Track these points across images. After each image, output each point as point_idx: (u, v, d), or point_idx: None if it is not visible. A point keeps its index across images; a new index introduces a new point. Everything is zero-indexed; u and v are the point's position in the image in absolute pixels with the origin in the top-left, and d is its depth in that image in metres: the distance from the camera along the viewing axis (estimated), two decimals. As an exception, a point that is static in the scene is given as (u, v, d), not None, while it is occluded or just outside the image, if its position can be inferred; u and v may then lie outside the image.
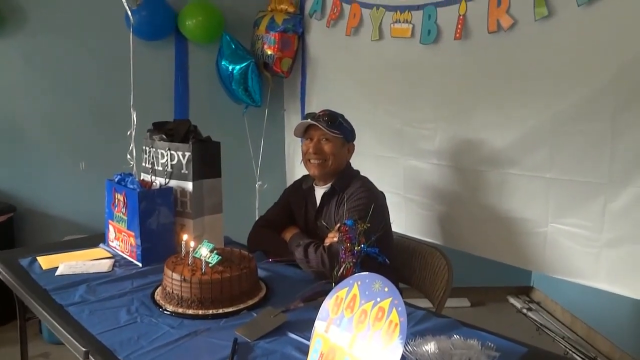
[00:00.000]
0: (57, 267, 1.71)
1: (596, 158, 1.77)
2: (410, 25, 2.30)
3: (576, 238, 1.86)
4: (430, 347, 1.15)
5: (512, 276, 3.69)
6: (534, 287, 3.76)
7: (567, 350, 2.95)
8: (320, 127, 1.85)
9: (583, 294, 3.11)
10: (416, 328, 1.31)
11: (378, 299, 1.00)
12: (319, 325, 1.09)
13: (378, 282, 1.02)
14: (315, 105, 2.97)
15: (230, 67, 2.95)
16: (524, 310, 3.51)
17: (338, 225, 1.55)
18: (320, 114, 1.90)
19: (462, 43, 2.13)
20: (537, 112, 1.93)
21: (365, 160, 2.23)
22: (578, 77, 1.80)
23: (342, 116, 1.93)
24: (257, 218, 2.12)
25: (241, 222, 2.11)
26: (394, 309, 0.96)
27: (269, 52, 2.96)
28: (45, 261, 1.77)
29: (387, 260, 1.32)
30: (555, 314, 3.47)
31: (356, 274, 1.07)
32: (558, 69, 1.86)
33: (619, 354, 2.82)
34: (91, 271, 1.69)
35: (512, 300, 3.70)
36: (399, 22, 2.35)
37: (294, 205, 2.03)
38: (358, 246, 1.32)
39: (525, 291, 3.79)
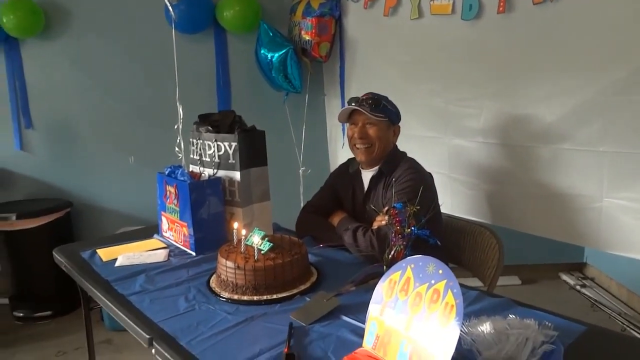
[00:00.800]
0: (116, 259, 1.78)
1: (651, 128, 1.70)
2: (451, 1, 2.25)
3: (633, 212, 1.80)
4: (486, 327, 1.14)
5: (564, 252, 3.60)
6: (587, 263, 3.66)
7: (625, 326, 2.87)
8: (364, 111, 1.84)
9: (639, 268, 3.00)
10: (470, 308, 1.30)
11: (432, 282, 1.00)
12: (373, 308, 1.10)
13: (432, 265, 1.02)
14: (354, 88, 2.96)
15: (269, 55, 2.97)
16: (578, 287, 3.43)
17: (386, 208, 1.55)
18: (364, 97, 1.89)
19: (506, 17, 2.07)
20: (588, 84, 1.86)
21: (408, 142, 2.20)
22: (629, 45, 1.72)
23: (386, 98, 1.91)
24: (302, 204, 2.14)
25: (287, 209, 2.13)
26: (450, 291, 0.97)
27: (307, 38, 2.96)
28: (104, 253, 1.85)
29: (438, 242, 1.31)
30: (611, 290, 3.37)
31: (409, 257, 1.07)
32: (608, 38, 1.79)
33: (681, 330, 2.72)
34: (148, 261, 1.76)
35: (564, 277, 3.61)
36: (439, -2, 2.30)
37: (341, 190, 2.04)
38: (408, 229, 1.32)
39: (578, 268, 3.70)
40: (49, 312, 3.15)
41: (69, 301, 3.20)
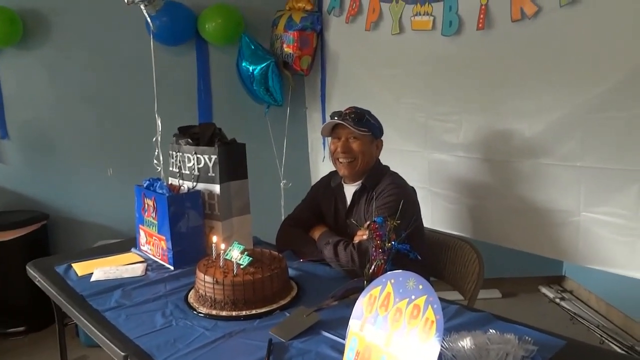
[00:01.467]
0: (92, 273, 1.74)
1: (631, 145, 1.73)
2: (431, 18, 2.28)
3: (610, 227, 1.83)
4: (466, 342, 1.14)
5: (543, 266, 3.63)
6: (566, 277, 3.70)
7: (603, 339, 2.89)
8: (348, 125, 1.84)
9: (618, 282, 3.03)
10: (450, 323, 1.30)
11: (413, 297, 0.99)
12: (353, 324, 1.09)
13: (412, 280, 1.01)
14: (336, 101, 2.97)
15: (251, 68, 2.96)
16: (557, 300, 3.46)
17: (368, 223, 1.54)
18: (347, 111, 1.89)
19: (485, 33, 2.10)
20: (566, 100, 1.89)
21: (390, 156, 2.21)
22: (608, 63, 1.76)
23: (368, 112, 1.91)
24: (283, 217, 2.13)
25: (268, 222, 2.12)
26: (430, 307, 0.96)
27: (288, 51, 2.97)
28: (80, 268, 1.81)
29: (418, 256, 1.31)
30: (590, 302, 3.40)
31: (389, 272, 1.06)
32: (586, 56, 1.82)
33: (658, 342, 2.76)
34: (125, 276, 1.72)
35: (544, 290, 3.64)
36: (420, 14, 2.33)
37: (322, 204, 2.03)
38: (389, 243, 1.31)
39: (557, 281, 3.73)
40: (22, 328, 3.06)
41: (43, 316, 3.11)
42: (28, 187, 3.23)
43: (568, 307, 3.35)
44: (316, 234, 1.89)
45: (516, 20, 1.97)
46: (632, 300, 3.00)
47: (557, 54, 1.90)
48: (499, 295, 3.55)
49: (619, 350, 2.75)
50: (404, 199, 1.70)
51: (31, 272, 1.84)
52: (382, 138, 1.97)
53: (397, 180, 1.88)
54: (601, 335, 2.94)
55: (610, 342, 2.87)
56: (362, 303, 1.09)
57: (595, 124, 1.82)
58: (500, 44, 2.07)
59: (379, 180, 1.87)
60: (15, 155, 3.19)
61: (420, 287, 0.99)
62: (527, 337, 1.17)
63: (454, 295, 1.85)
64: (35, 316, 3.09)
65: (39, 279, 1.77)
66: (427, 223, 2.04)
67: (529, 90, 2.02)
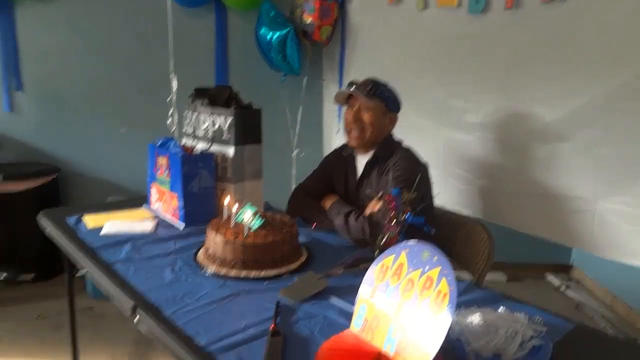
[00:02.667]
0: (102, 227, 1.75)
1: (653, 135, 1.69)
2: (459, -6, 2.22)
3: (627, 217, 1.80)
4: (475, 318, 1.13)
5: (551, 253, 3.62)
6: (574, 266, 3.68)
7: (606, 329, 2.89)
8: (359, 95, 1.81)
9: (625, 273, 3.02)
10: (460, 299, 1.26)
11: (426, 268, 0.98)
12: (364, 290, 1.08)
13: (427, 251, 1.00)
14: (354, 74, 2.92)
15: (269, 35, 2.92)
16: (562, 288, 3.45)
17: (380, 194, 1.53)
18: (362, 82, 1.86)
19: (513, 13, 2.05)
20: (591, 87, 1.85)
21: (405, 131, 2.18)
22: (632, 53, 1.71)
23: (385, 85, 1.88)
24: (293, 186, 2.11)
25: (278, 190, 2.11)
26: (444, 279, 0.95)
27: (309, 20, 2.91)
28: (90, 220, 1.81)
29: (432, 230, 1.29)
30: (595, 293, 3.39)
31: (404, 242, 1.05)
32: (615, 42, 1.77)
33: (660, 337, 2.75)
34: (135, 231, 1.72)
35: (550, 277, 3.63)
36: (446, -10, 2.27)
37: (334, 173, 2.01)
38: (403, 215, 1.30)
39: (564, 269, 3.72)
40: (31, 276, 3.11)
41: (51, 266, 3.16)
42: (41, 140, 3.23)
43: (573, 296, 3.35)
44: (327, 203, 1.88)
45: (546, 1, 1.91)
46: (637, 294, 2.98)
47: (586, 39, 1.85)
48: (505, 279, 3.54)
49: (620, 342, 2.75)
50: (416, 172, 1.68)
51: (42, 222, 1.85)
52: (400, 114, 1.94)
53: (411, 155, 1.86)
54: (604, 326, 2.94)
55: (611, 334, 2.87)
56: (373, 271, 1.08)
57: (621, 112, 1.78)
58: (527, 25, 2.02)
59: (392, 153, 1.85)
60: (29, 107, 3.18)
61: (435, 258, 0.98)
62: (537, 317, 1.15)
63: (462, 274, 1.85)
64: (43, 266, 3.14)
65: (50, 229, 1.78)
66: (438, 201, 2.02)
67: (553, 74, 1.98)
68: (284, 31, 2.89)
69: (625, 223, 1.80)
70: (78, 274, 1.95)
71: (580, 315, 3.12)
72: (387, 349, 0.98)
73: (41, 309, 2.83)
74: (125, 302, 1.24)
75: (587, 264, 3.54)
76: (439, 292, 0.95)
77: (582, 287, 3.50)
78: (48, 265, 3.14)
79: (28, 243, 3.07)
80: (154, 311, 1.19)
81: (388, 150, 1.86)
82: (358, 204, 1.86)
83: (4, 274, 3.09)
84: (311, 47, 3.07)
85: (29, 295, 3.01)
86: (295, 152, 3.18)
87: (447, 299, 0.93)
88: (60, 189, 3.24)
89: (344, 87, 2.15)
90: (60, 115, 3.21)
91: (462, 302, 1.25)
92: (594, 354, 1.14)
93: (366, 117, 1.85)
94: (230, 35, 3.22)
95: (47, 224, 1.81)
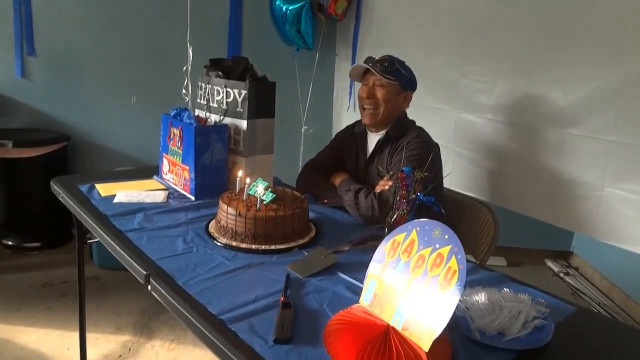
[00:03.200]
0: (115, 195, 1.77)
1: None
2: (477, -29, 2.20)
3: (632, 204, 1.81)
4: (480, 297, 1.16)
5: (552, 240, 3.65)
6: (574, 253, 3.71)
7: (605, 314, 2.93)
8: (374, 71, 1.82)
9: (624, 263, 3.06)
10: (466, 279, 1.31)
11: (437, 246, 1.00)
12: (373, 266, 1.11)
13: (438, 229, 1.02)
14: (368, 51, 2.91)
15: (284, 8, 2.90)
16: (561, 275, 3.49)
17: (391, 172, 1.54)
18: (379, 58, 1.86)
19: (531, -7, 2.02)
20: (606, 71, 1.83)
21: (415, 111, 2.18)
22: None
23: (402, 63, 1.88)
24: (301, 162, 2.14)
25: (285, 165, 2.13)
26: (454, 256, 0.97)
27: (324, -7, 2.90)
28: (103, 188, 1.84)
29: (442, 210, 1.31)
30: (594, 280, 3.43)
31: (415, 220, 1.07)
32: (631, 28, 1.75)
33: (657, 325, 2.79)
34: (147, 201, 1.75)
35: (549, 263, 3.67)
36: (465, -34, 2.25)
37: (345, 150, 2.03)
38: (414, 194, 1.32)
39: (564, 256, 3.75)
40: (38, 244, 3.16)
41: (58, 234, 3.21)
42: (51, 107, 3.25)
43: (571, 283, 3.39)
44: (337, 180, 1.90)
45: (565, -17, 1.89)
46: (635, 283, 3.02)
47: (604, 22, 1.83)
48: (505, 263, 3.58)
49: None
50: (428, 153, 1.69)
51: (55, 188, 1.87)
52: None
53: (424, 135, 1.87)
54: (600, 313, 2.98)
55: (611, 318, 2.91)
56: (384, 248, 1.10)
57: (632, 99, 1.77)
58: (544, 4, 2.00)
59: (405, 132, 1.86)
60: (40, 73, 3.19)
61: (446, 236, 1.00)
62: (540, 299, 1.18)
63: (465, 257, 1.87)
64: (50, 233, 3.18)
65: (63, 195, 1.81)
66: (446, 183, 2.03)
67: (568, 57, 1.96)
68: (299, 4, 2.88)
69: (630, 210, 1.81)
70: (89, 242, 1.97)
71: (578, 302, 3.16)
72: (395, 322, 1.01)
73: (48, 277, 2.88)
74: (139, 271, 1.27)
75: (587, 251, 3.57)
76: (449, 269, 0.97)
77: (580, 274, 3.54)
78: (55, 233, 3.19)
79: (35, 211, 3.11)
80: (167, 280, 1.21)
81: (401, 130, 1.87)
82: (367, 181, 1.88)
83: (11, 241, 3.14)
84: (325, 22, 3.05)
85: (36, 262, 3.06)
86: (304, 129, 3.19)
87: (456, 276, 0.95)
88: (69, 157, 3.27)
89: (357, 63, 2.15)
90: (71, 82, 3.22)
91: (468, 281, 1.26)
92: (594, 336, 1.16)
93: (380, 93, 1.85)
94: (245, 6, 3.20)
95: (60, 190, 1.83)
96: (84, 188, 1.84)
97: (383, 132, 1.89)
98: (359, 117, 1.97)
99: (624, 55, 1.78)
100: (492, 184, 2.32)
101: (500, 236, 1.90)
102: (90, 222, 1.58)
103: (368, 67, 1.84)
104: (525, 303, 1.16)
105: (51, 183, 1.91)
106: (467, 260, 1.44)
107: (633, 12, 1.74)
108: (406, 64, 1.90)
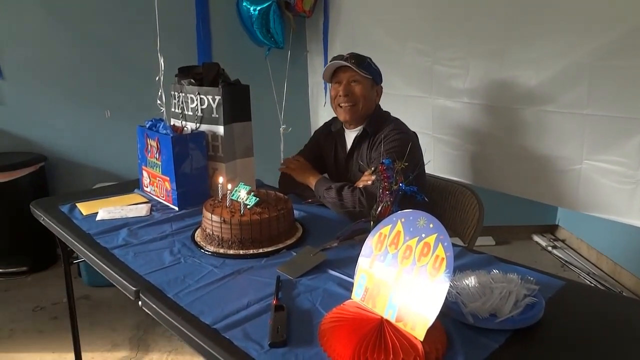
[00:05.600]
0: (97, 213, 1.75)
1: (635, 94, 1.71)
2: (440, -42, 2.20)
3: (611, 175, 1.84)
4: (470, 281, 1.17)
5: (537, 215, 3.71)
6: (559, 226, 3.77)
7: (593, 285, 2.98)
8: (351, 67, 1.81)
9: (609, 231, 3.11)
10: (454, 263, 1.30)
11: (423, 235, 1.01)
12: (362, 261, 1.11)
13: (423, 219, 1.02)
14: (338, 45, 2.91)
15: (252, 8, 2.88)
16: (549, 248, 3.54)
17: (373, 167, 1.55)
18: (348, 55, 1.86)
19: (496, -25, 2.04)
20: (574, 48, 1.86)
21: (393, 101, 2.20)
22: (616, 11, 1.72)
23: (369, 58, 1.89)
24: (282, 161, 2.12)
25: (267, 166, 2.13)
26: (440, 244, 0.98)
27: (291, -9, 2.88)
28: (84, 207, 1.81)
29: (425, 198, 1.32)
30: (581, 251, 3.49)
31: (399, 212, 1.07)
32: (595, 4, 1.78)
33: (645, 289, 2.85)
34: (130, 215, 1.73)
35: (536, 238, 3.72)
36: (428, -46, 2.25)
37: (324, 148, 2.03)
38: (396, 185, 1.32)
39: (550, 230, 3.81)
40: (24, 268, 3.11)
41: (44, 257, 3.17)
42: (25, 129, 3.20)
43: (559, 255, 3.44)
44: (312, 180, 1.86)
45: (529, -38, 1.91)
46: (621, 249, 3.08)
47: (568, 2, 1.86)
48: (493, 242, 3.63)
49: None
50: (407, 144, 1.70)
51: (35, 211, 1.85)
52: (386, 83, 1.95)
53: (400, 126, 1.87)
54: (590, 282, 3.03)
55: (599, 288, 2.96)
56: (371, 241, 1.11)
57: (602, 72, 1.80)
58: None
59: (381, 126, 1.86)
60: (11, 95, 3.13)
61: (431, 225, 1.01)
62: (529, 277, 1.19)
63: (453, 241, 1.88)
64: (36, 256, 3.14)
65: (44, 217, 1.78)
66: (429, 169, 2.05)
67: (537, 36, 1.98)
68: (266, 4, 2.86)
69: (609, 181, 1.84)
70: (75, 262, 1.95)
71: (566, 273, 3.21)
72: (388, 315, 1.01)
73: (37, 300, 2.84)
74: (128, 288, 1.25)
75: (572, 224, 3.64)
76: (437, 257, 0.98)
77: (567, 246, 3.60)
78: (41, 256, 3.14)
79: (19, 235, 3.06)
80: (157, 294, 1.20)
81: (377, 124, 1.87)
82: (348, 177, 1.89)
83: (-2, 267, 3.09)
84: (294, 19, 3.04)
85: (24, 286, 3.02)
86: (282, 128, 3.18)
87: (444, 263, 0.96)
88: (47, 177, 3.22)
89: (329, 60, 2.14)
90: (42, 102, 3.17)
91: (457, 266, 1.28)
92: (584, 307, 1.18)
93: (357, 89, 1.85)
94: (211, 10, 3.17)
95: (41, 213, 1.81)
96: (65, 208, 1.82)
97: (360, 127, 1.89)
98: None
99: (591, 32, 1.80)
100: (474, 167, 2.34)
101: (486, 216, 1.92)
102: (75, 242, 1.57)
103: (347, 64, 1.83)
104: (514, 283, 1.17)
105: (31, 206, 1.88)
106: (455, 245, 1.46)
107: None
108: (374, 56, 1.91)
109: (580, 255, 3.45)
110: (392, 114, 1.95)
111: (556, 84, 1.94)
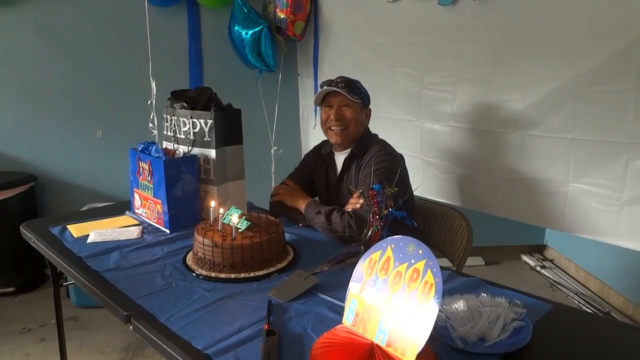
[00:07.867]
0: (88, 235, 1.75)
1: (619, 118, 1.77)
2: (429, -14, 2.26)
3: (597, 197, 1.88)
4: (459, 305, 1.19)
5: (526, 235, 3.75)
6: (547, 246, 3.81)
7: (581, 305, 3.01)
8: (342, 92, 1.85)
9: (597, 251, 3.15)
10: (444, 287, 1.32)
11: (412, 261, 1.03)
12: (353, 286, 1.13)
13: (412, 245, 1.04)
14: (328, 68, 2.96)
15: (244, 32, 2.92)
16: (538, 268, 3.57)
17: (360, 190, 1.57)
18: (338, 80, 1.90)
19: (481, 3, 2.10)
20: (559, 73, 1.91)
21: (382, 124, 2.23)
22: (601, 37, 1.78)
23: (358, 82, 1.93)
24: (273, 184, 2.15)
25: (258, 188, 2.14)
26: (429, 270, 0.99)
27: (281, 16, 2.93)
28: (75, 229, 1.81)
29: (415, 223, 1.34)
30: (569, 271, 3.52)
31: (389, 237, 1.09)
32: (580, 30, 1.84)
33: (632, 308, 2.88)
34: (121, 238, 1.73)
35: (525, 258, 3.75)
36: (417, -18, 2.31)
37: (314, 172, 2.05)
38: (385, 210, 1.34)
39: (538, 250, 3.85)
40: (11, 289, 3.07)
41: (32, 277, 3.14)
42: (15, 148, 3.19)
43: (548, 275, 3.47)
44: (301, 204, 1.88)
45: (513, -9, 1.97)
46: (609, 269, 3.11)
47: (552, 28, 1.92)
48: (482, 262, 3.65)
49: (595, 316, 2.86)
50: (393, 165, 1.73)
51: (26, 232, 1.84)
52: (375, 106, 2.00)
53: (385, 147, 1.90)
54: (579, 302, 3.06)
55: (588, 308, 2.99)
56: (362, 267, 1.12)
57: (587, 98, 1.85)
58: (496, 14, 2.08)
59: (367, 147, 1.90)
60: (1, 114, 3.13)
61: (420, 251, 1.03)
62: (517, 301, 1.21)
63: (442, 262, 1.91)
64: (24, 277, 3.10)
65: (35, 239, 1.78)
66: (417, 191, 2.08)
67: (523, 62, 2.04)
68: (258, 28, 2.90)
69: (595, 203, 1.89)
70: (64, 284, 1.94)
71: (555, 293, 3.24)
72: (379, 340, 1.02)
73: (24, 321, 2.80)
74: (119, 312, 1.25)
75: (560, 244, 3.67)
76: (426, 282, 0.99)
77: (556, 266, 3.63)
78: (28, 276, 3.11)
79: (6, 255, 3.02)
80: (149, 319, 1.20)
81: (364, 146, 1.90)
82: (339, 200, 1.91)
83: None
84: (285, 43, 3.09)
85: (11, 307, 2.98)
86: (273, 150, 3.21)
87: (433, 289, 0.98)
88: (37, 197, 3.21)
89: (318, 83, 2.18)
90: (34, 122, 3.17)
91: (446, 290, 1.29)
92: (572, 330, 1.20)
93: (348, 113, 1.89)
94: (203, 34, 3.22)
95: (31, 235, 1.80)
96: (55, 230, 1.81)
97: (349, 150, 1.92)
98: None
99: (575, 58, 1.86)
100: (462, 189, 2.38)
101: (476, 236, 1.95)
102: (65, 265, 1.56)
103: (337, 89, 1.86)
104: (502, 306, 1.19)
105: (21, 228, 1.88)
106: (444, 268, 1.49)
107: (585, 15, 1.82)
108: (363, 80, 1.96)
109: (569, 275, 3.48)
110: (381, 137, 1.98)
111: (542, 108, 1.99)
